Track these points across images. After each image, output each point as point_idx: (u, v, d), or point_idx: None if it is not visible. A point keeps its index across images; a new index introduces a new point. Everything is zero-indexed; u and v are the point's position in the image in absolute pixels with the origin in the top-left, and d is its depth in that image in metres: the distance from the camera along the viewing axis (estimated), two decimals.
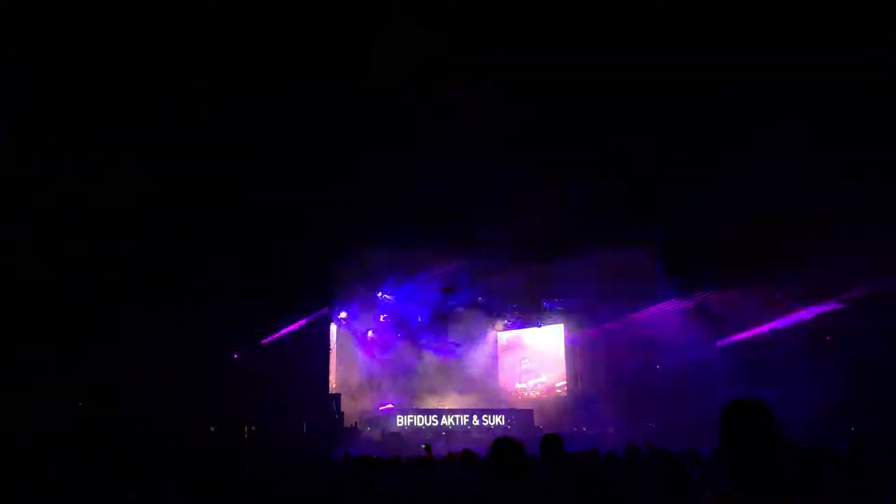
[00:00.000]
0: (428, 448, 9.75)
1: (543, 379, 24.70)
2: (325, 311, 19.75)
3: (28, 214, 13.77)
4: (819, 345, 16.23)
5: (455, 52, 12.45)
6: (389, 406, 21.07)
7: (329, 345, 20.45)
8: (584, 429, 21.07)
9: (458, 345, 24.83)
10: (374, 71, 12.70)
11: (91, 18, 11.45)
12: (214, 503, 6.72)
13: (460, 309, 24.25)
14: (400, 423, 20.42)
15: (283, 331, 17.51)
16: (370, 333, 23.58)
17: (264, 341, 17.12)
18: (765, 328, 17.22)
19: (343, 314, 22.71)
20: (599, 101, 13.74)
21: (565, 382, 24.12)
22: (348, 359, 22.70)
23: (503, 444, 3.39)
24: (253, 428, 16.23)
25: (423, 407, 21.80)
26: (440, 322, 24.45)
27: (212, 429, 15.69)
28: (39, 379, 13.35)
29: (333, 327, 21.48)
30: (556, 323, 24.73)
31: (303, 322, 18.07)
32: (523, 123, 14.08)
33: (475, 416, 21.43)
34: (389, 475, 6.82)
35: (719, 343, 18.05)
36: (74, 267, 14.19)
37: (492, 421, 21.38)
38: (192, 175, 14.88)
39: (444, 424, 20.80)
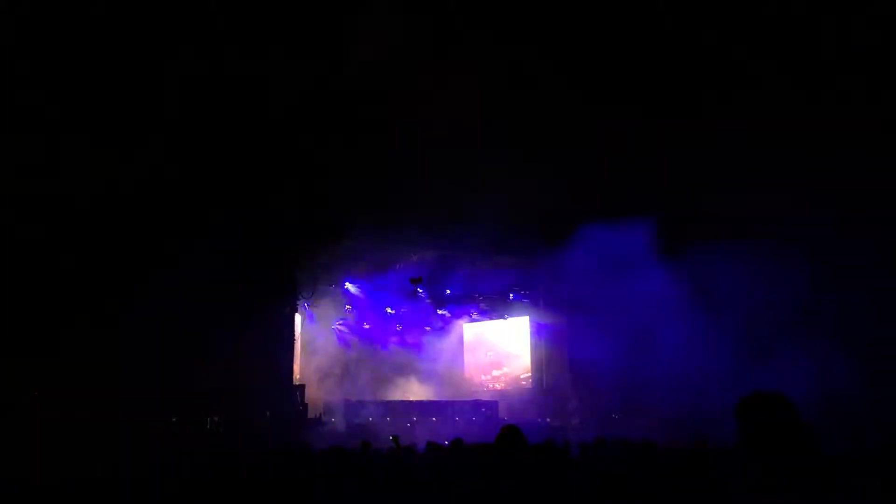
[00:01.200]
0: (395, 439, 9.77)
1: (508, 370, 24.86)
2: (290, 299, 19.59)
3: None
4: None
5: (441, 41, 12.46)
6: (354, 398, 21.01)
7: (294, 334, 20.29)
8: (549, 419, 21.29)
9: (423, 336, 24.86)
10: (349, 61, 12.65)
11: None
12: (177, 495, 6.63)
13: (427, 300, 24.26)
14: (365, 413, 20.40)
15: (248, 319, 17.31)
16: (336, 323, 23.48)
17: (227, 330, 16.91)
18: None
19: (309, 304, 22.56)
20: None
21: (530, 374, 24.31)
22: (313, 349, 22.56)
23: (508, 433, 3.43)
24: (215, 418, 16.06)
25: (389, 398, 21.80)
26: (406, 313, 24.43)
27: (173, 419, 15.49)
28: None
29: (298, 317, 21.32)
30: (521, 315, 24.87)
31: (267, 311, 17.90)
32: (500, 110, 14.16)
33: (441, 407, 21.53)
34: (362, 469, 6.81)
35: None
36: (31, 256, 13.87)
37: (457, 412, 21.51)
38: (161, 164, 14.67)
39: (409, 415, 20.83)
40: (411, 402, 21.66)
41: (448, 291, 24.40)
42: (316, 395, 20.69)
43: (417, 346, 24.69)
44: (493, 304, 25.47)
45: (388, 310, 24.00)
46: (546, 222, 18.73)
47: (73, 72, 12.86)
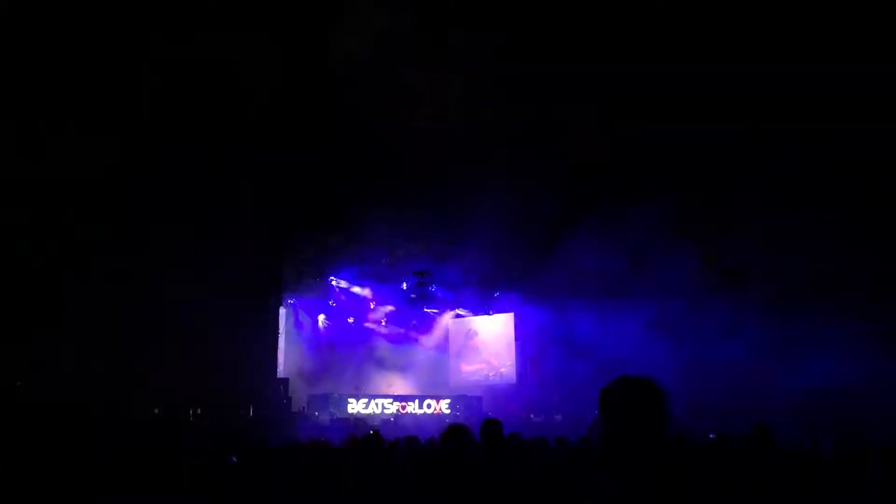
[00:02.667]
0: (376, 433, 9.79)
1: (493, 366, 24.92)
2: (275, 293, 19.54)
3: None
4: None
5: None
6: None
7: (278, 328, 20.25)
8: (532, 416, 21.38)
9: (408, 331, 24.87)
10: (340, 49, 12.60)
11: None
12: (158, 488, 6.63)
13: (413, 295, 24.27)
14: (349, 407, 20.44)
15: (232, 313, 17.22)
16: (321, 318, 23.44)
17: (211, 323, 16.83)
18: None
19: (293, 298, 22.50)
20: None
21: (515, 370, 24.39)
22: (298, 343, 22.52)
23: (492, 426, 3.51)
24: (199, 411, 16.00)
25: (373, 392, 21.83)
26: (392, 307, 24.43)
27: (156, 411, 15.42)
28: None
29: (283, 311, 21.28)
30: (506, 311, 24.94)
31: (252, 304, 17.84)
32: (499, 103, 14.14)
33: (424, 402, 21.61)
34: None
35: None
36: (11, 242, 13.74)
37: (441, 407, 21.58)
38: (141, 150, 14.55)
39: (393, 410, 20.90)
40: (395, 395, 21.71)
41: (433, 287, 24.38)
42: (300, 388, 20.68)
43: (402, 341, 24.71)
44: (478, 300, 25.50)
45: (372, 304, 23.98)
46: (546, 217, 18.57)
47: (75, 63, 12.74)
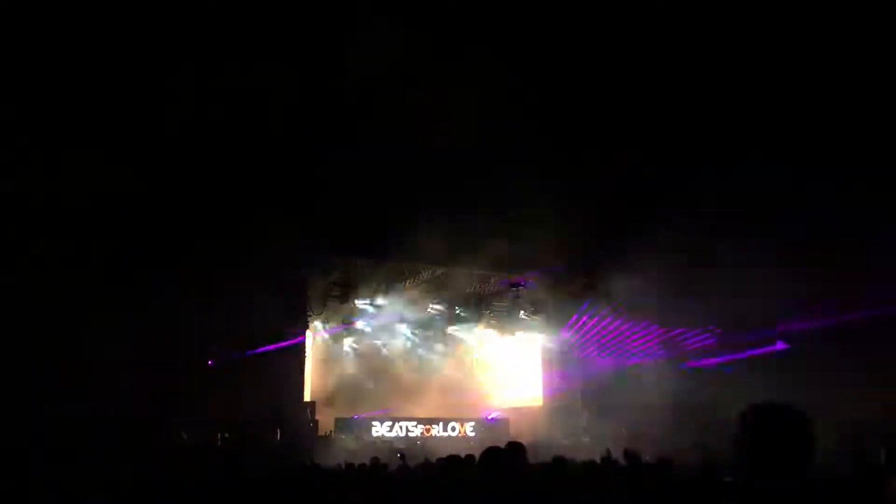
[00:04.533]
0: (402, 457, 9.78)
1: (519, 387, 24.75)
2: (301, 316, 19.63)
3: None
4: None
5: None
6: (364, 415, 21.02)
7: (304, 351, 20.32)
8: (560, 437, 21.15)
9: (434, 352, 24.80)
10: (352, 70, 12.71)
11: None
12: None
13: (437, 316, 24.21)
14: (375, 431, 20.39)
15: (258, 336, 17.34)
16: (347, 340, 23.47)
17: (239, 347, 16.95)
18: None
19: (319, 320, 22.56)
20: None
21: (541, 391, 24.18)
22: (324, 366, 22.56)
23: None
24: (226, 435, 16.08)
25: (399, 415, 21.76)
26: (416, 329, 24.39)
27: (184, 436, 15.52)
28: (5, 380, 13.16)
29: (309, 333, 21.35)
30: (531, 331, 24.78)
31: (278, 328, 17.92)
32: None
33: (450, 425, 21.50)
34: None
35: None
36: (44, 266, 13.98)
37: (467, 429, 21.46)
38: (169, 175, 14.77)
39: (419, 433, 20.81)
40: (421, 419, 21.63)
41: (458, 310, 24.30)
42: (327, 412, 20.69)
43: (427, 362, 24.62)
44: (502, 321, 25.35)
45: (398, 325, 23.96)
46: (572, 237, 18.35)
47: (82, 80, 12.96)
